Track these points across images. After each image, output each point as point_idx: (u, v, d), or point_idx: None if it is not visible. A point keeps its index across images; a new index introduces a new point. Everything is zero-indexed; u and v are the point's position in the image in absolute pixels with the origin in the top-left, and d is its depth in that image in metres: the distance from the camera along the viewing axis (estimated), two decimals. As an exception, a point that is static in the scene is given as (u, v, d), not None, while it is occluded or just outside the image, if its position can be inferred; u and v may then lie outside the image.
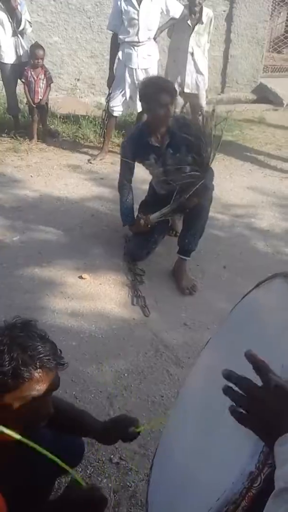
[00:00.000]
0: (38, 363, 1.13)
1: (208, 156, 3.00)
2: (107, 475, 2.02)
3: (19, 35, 5.19)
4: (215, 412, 1.10)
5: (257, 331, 1.16)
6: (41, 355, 1.13)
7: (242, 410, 0.84)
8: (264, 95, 7.77)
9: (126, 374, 2.53)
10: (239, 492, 0.86)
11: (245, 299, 1.40)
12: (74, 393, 2.37)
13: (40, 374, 1.13)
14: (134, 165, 3.48)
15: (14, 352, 1.11)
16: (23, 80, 5.32)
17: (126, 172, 3.50)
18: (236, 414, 0.84)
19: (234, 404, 0.85)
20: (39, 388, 1.13)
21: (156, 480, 1.42)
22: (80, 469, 2.02)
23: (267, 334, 1.10)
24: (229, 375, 0.85)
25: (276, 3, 8.19)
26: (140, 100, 3.37)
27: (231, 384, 0.85)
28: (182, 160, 3.11)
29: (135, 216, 3.48)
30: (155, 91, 3.10)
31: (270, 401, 0.81)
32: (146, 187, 3.68)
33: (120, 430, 1.55)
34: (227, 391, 0.85)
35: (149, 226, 3.30)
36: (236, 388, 0.85)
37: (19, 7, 5.05)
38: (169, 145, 3.24)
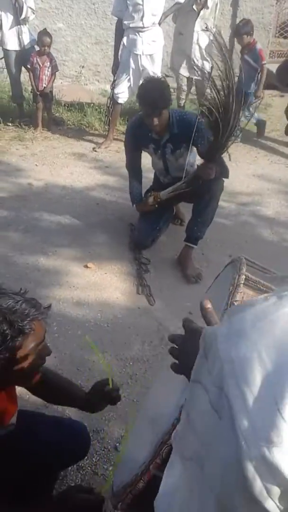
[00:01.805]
0: (31, 316, 1.29)
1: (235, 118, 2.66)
2: (112, 463, 2.03)
3: (21, 22, 5.15)
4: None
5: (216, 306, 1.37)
6: (26, 310, 1.29)
7: (175, 361, 1.01)
8: (270, 81, 7.67)
9: (131, 363, 2.54)
10: (171, 423, 1.01)
11: (215, 280, 1.69)
12: (79, 382, 2.37)
13: (35, 323, 1.30)
14: (139, 153, 3.46)
15: (7, 316, 1.25)
16: (28, 66, 5.29)
17: (132, 159, 3.49)
18: (171, 366, 1.01)
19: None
20: (39, 334, 1.32)
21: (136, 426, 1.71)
22: (86, 457, 2.03)
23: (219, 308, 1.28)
24: (171, 337, 1.03)
25: (283, -13, 8.05)
26: (137, 101, 3.33)
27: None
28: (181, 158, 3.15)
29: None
30: (150, 97, 3.01)
31: (186, 344, 0.98)
32: (151, 175, 3.66)
33: (100, 393, 1.67)
34: (170, 350, 1.02)
35: (156, 205, 3.29)
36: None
37: (22, -6, 5.00)
38: (168, 140, 3.21)
